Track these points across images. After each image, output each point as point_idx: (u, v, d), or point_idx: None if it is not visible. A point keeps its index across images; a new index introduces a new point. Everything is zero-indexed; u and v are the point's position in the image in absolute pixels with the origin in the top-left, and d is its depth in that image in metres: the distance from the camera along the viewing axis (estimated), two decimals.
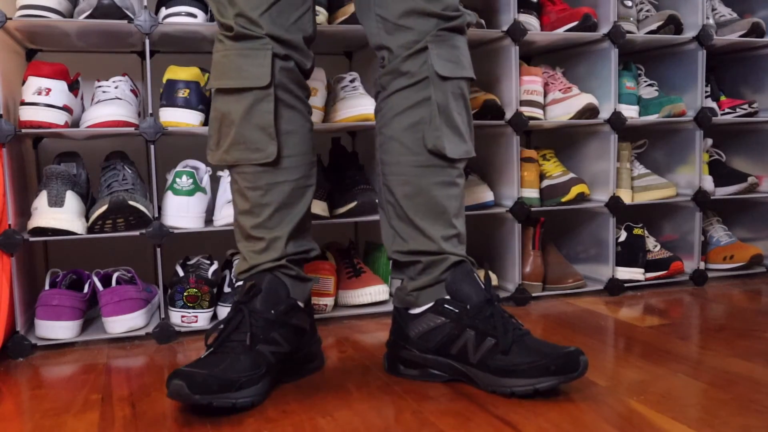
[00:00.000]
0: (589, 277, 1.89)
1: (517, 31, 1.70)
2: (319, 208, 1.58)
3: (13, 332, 1.42)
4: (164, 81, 1.55)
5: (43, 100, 1.44)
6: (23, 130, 1.44)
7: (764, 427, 0.95)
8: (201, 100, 1.54)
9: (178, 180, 1.53)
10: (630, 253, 1.85)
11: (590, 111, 1.78)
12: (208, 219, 1.58)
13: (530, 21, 1.77)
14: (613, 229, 1.82)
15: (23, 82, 1.46)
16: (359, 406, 1.07)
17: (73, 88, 1.53)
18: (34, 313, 1.46)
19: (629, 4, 1.86)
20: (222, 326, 1.14)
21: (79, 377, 1.26)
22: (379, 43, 1.20)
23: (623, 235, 1.86)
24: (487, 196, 1.73)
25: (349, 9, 1.56)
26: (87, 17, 1.46)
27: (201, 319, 1.51)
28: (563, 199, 1.79)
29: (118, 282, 1.48)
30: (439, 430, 0.97)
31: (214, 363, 1.06)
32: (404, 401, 1.09)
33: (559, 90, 1.82)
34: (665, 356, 1.28)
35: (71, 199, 1.45)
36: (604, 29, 1.80)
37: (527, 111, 1.74)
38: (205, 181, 1.59)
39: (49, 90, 1.44)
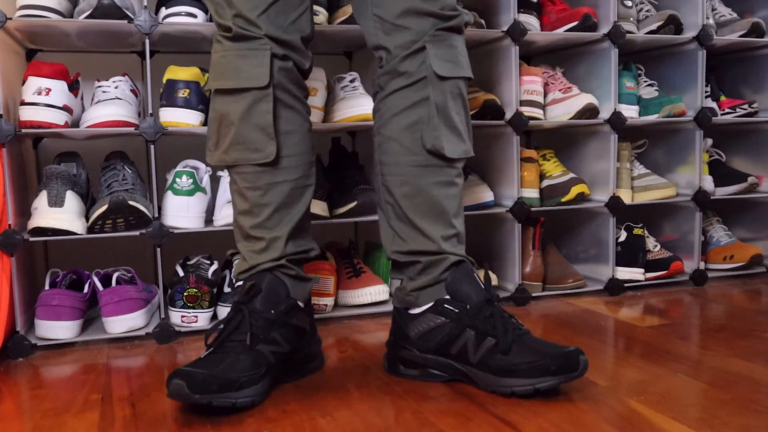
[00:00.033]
0: (589, 277, 1.89)
1: (517, 31, 1.70)
2: (319, 208, 1.58)
3: (13, 332, 1.42)
4: (164, 81, 1.55)
5: (43, 100, 1.44)
6: (23, 130, 1.44)
7: (764, 427, 0.95)
8: (201, 100, 1.54)
9: (178, 180, 1.53)
10: (630, 253, 1.85)
11: (590, 111, 1.78)
12: (208, 219, 1.58)
13: (530, 21, 1.77)
14: (613, 229, 1.83)
15: (23, 82, 1.46)
16: (359, 406, 1.07)
17: (73, 88, 1.53)
18: (34, 313, 1.46)
19: (629, 4, 1.86)
20: (222, 326, 1.14)
21: (79, 377, 1.26)
22: (377, 44, 1.20)
23: (623, 235, 1.86)
24: (487, 196, 1.73)
25: (349, 9, 1.56)
26: (87, 17, 1.46)
27: (201, 319, 1.51)
28: (563, 199, 1.79)
29: (118, 282, 1.48)
30: (439, 430, 0.97)
31: (214, 363, 1.06)
32: (404, 401, 1.09)
33: (559, 90, 1.82)
34: (665, 356, 1.28)
35: (71, 199, 1.45)
36: (604, 29, 1.80)
37: (527, 111, 1.74)
38: (205, 181, 1.59)
39: (49, 90, 1.44)
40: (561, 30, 1.79)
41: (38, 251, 1.73)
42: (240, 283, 1.25)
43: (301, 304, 1.21)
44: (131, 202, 1.44)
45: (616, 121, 1.80)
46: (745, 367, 1.20)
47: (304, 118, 1.23)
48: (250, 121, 1.16)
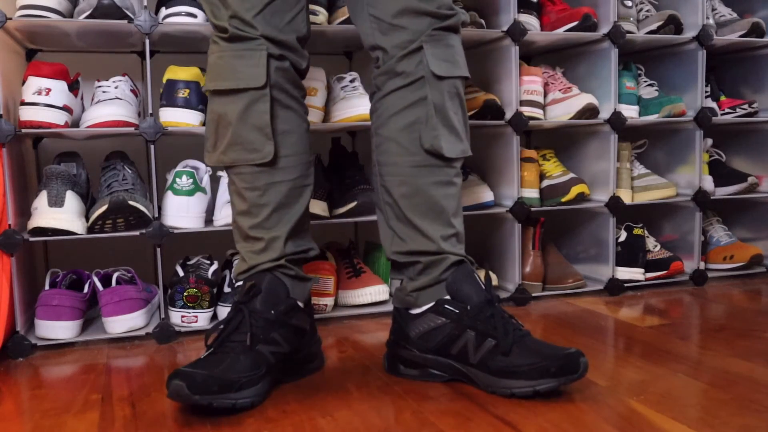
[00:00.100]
0: (589, 277, 1.89)
1: (517, 31, 1.70)
2: (319, 208, 1.58)
3: (13, 332, 1.42)
4: (164, 81, 1.55)
5: (43, 100, 1.44)
6: (23, 130, 1.44)
7: (764, 427, 0.95)
8: (201, 100, 1.54)
9: (178, 180, 1.53)
10: (630, 253, 1.85)
11: (590, 111, 1.78)
12: (208, 219, 1.58)
13: (530, 21, 1.77)
14: (613, 229, 1.83)
15: (23, 82, 1.46)
16: (359, 406, 1.07)
17: (73, 88, 1.53)
18: (34, 313, 1.46)
19: (629, 4, 1.86)
20: (222, 326, 1.14)
21: (79, 377, 1.26)
22: (374, 44, 1.20)
23: (623, 235, 1.86)
24: (487, 196, 1.73)
25: None
26: (87, 17, 1.46)
27: (201, 319, 1.51)
28: (563, 199, 1.79)
29: (118, 282, 1.48)
30: (439, 430, 0.97)
31: (214, 363, 1.06)
32: (404, 401, 1.09)
33: (559, 90, 1.82)
34: (665, 356, 1.28)
35: (71, 199, 1.45)
36: (604, 29, 1.80)
37: (527, 111, 1.74)
38: (205, 181, 1.59)
39: (49, 90, 1.44)
40: (561, 30, 1.79)
41: (38, 251, 1.73)
42: (240, 283, 1.25)
43: (300, 304, 1.21)
44: (131, 202, 1.44)
45: (616, 121, 1.80)
46: (745, 367, 1.20)
47: (301, 117, 1.23)
48: (247, 121, 1.16)
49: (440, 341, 1.15)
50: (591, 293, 1.82)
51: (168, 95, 1.53)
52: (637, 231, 1.87)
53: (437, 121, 1.16)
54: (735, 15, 2.02)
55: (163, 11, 1.52)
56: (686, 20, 1.89)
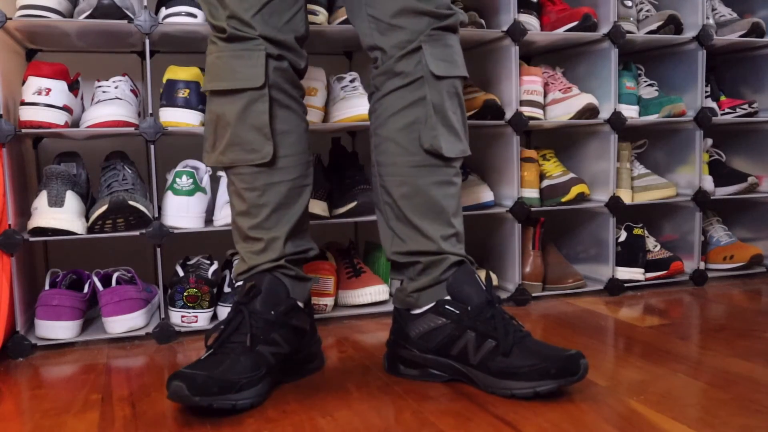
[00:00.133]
0: (589, 277, 1.89)
1: (517, 31, 1.70)
2: (319, 208, 1.58)
3: (13, 332, 1.42)
4: (164, 81, 1.55)
5: (43, 100, 1.44)
6: (23, 130, 1.44)
7: (764, 427, 0.95)
8: (201, 100, 1.54)
9: (178, 180, 1.53)
10: (630, 253, 1.85)
11: (590, 111, 1.78)
12: (208, 219, 1.58)
13: (530, 21, 1.77)
14: (613, 229, 1.82)
15: (23, 82, 1.46)
16: (359, 406, 1.07)
17: (73, 88, 1.53)
18: (34, 313, 1.46)
19: (629, 4, 1.86)
20: (222, 327, 1.14)
21: (79, 377, 1.26)
22: (372, 44, 1.20)
23: (623, 235, 1.86)
24: (487, 196, 1.73)
25: None
26: (87, 17, 1.46)
27: (201, 319, 1.51)
28: (563, 199, 1.79)
29: (118, 282, 1.48)
30: (439, 430, 0.97)
31: (215, 364, 1.06)
32: (404, 401, 1.09)
33: (559, 90, 1.82)
34: (665, 356, 1.28)
35: (71, 199, 1.45)
36: (604, 29, 1.80)
37: (527, 111, 1.74)
38: (205, 181, 1.59)
39: (49, 90, 1.44)
40: (561, 30, 1.79)
41: (38, 251, 1.73)
42: (240, 283, 1.25)
43: (300, 304, 1.21)
44: (131, 202, 1.44)
45: (616, 121, 1.80)
46: (745, 367, 1.20)
47: (300, 117, 1.23)
48: (246, 121, 1.16)
49: (440, 341, 1.15)
50: (591, 293, 1.82)
51: (168, 95, 1.53)
52: (637, 231, 1.87)
53: (436, 121, 1.16)
54: (735, 15, 2.02)
55: (163, 11, 1.52)
56: (686, 20, 1.89)
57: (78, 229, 1.44)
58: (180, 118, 1.52)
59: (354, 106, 1.61)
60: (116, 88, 1.55)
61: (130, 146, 1.73)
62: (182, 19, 1.51)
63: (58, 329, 1.43)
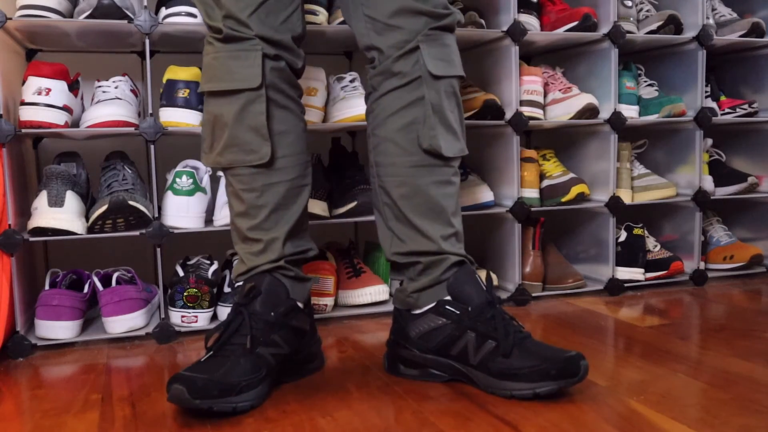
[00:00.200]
0: (589, 277, 1.89)
1: (517, 31, 1.70)
2: (319, 208, 1.58)
3: (13, 332, 1.42)
4: (164, 81, 1.55)
5: (43, 100, 1.44)
6: (23, 130, 1.44)
7: (764, 427, 0.95)
8: (201, 100, 1.53)
9: (178, 180, 1.53)
10: (630, 253, 1.85)
11: (590, 111, 1.78)
12: (208, 219, 1.58)
13: (530, 21, 1.77)
14: (613, 229, 1.82)
15: (23, 82, 1.46)
16: (359, 406, 1.07)
17: (73, 88, 1.53)
18: (34, 313, 1.46)
19: (629, 4, 1.86)
20: (222, 328, 1.13)
21: (79, 377, 1.26)
22: (369, 44, 1.20)
23: (623, 235, 1.86)
24: (487, 196, 1.73)
25: None
26: (87, 17, 1.46)
27: (201, 319, 1.51)
28: (563, 199, 1.79)
29: (118, 282, 1.48)
30: (439, 430, 0.97)
31: (215, 367, 1.05)
32: (404, 401, 1.09)
33: (559, 90, 1.82)
34: (665, 356, 1.28)
35: (71, 199, 1.45)
36: (604, 29, 1.80)
37: (527, 111, 1.74)
38: (205, 181, 1.59)
39: (49, 90, 1.44)
40: (561, 30, 1.79)
41: (38, 251, 1.73)
42: (239, 284, 1.25)
43: (300, 304, 1.21)
44: (131, 202, 1.44)
45: (616, 121, 1.80)
46: (745, 367, 1.20)
47: (298, 117, 1.23)
48: (243, 122, 1.16)
49: (440, 342, 1.15)
50: (591, 293, 1.82)
51: (168, 95, 1.53)
52: (637, 231, 1.87)
53: (435, 121, 1.16)
54: (735, 15, 2.02)
55: (163, 11, 1.52)
56: (686, 20, 1.89)
57: (78, 229, 1.45)
58: (180, 118, 1.52)
59: (354, 106, 1.61)
60: (116, 88, 1.55)
61: (130, 146, 1.73)
62: (182, 19, 1.51)
63: (58, 329, 1.43)
